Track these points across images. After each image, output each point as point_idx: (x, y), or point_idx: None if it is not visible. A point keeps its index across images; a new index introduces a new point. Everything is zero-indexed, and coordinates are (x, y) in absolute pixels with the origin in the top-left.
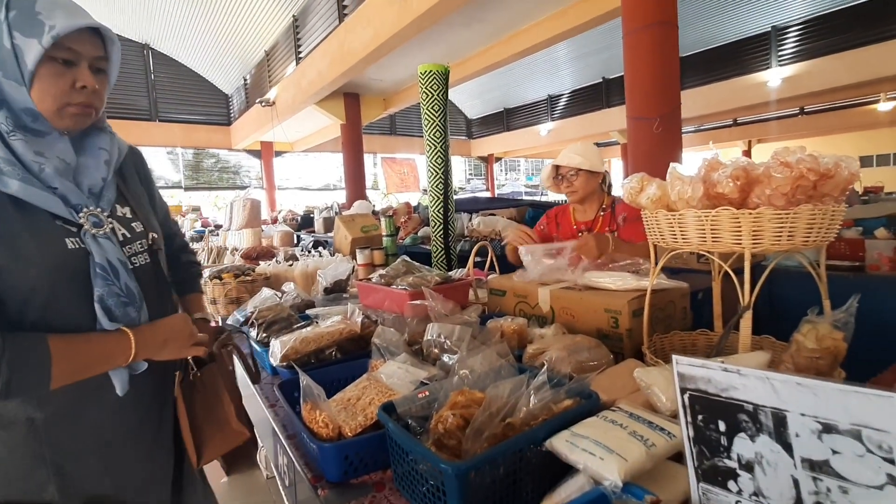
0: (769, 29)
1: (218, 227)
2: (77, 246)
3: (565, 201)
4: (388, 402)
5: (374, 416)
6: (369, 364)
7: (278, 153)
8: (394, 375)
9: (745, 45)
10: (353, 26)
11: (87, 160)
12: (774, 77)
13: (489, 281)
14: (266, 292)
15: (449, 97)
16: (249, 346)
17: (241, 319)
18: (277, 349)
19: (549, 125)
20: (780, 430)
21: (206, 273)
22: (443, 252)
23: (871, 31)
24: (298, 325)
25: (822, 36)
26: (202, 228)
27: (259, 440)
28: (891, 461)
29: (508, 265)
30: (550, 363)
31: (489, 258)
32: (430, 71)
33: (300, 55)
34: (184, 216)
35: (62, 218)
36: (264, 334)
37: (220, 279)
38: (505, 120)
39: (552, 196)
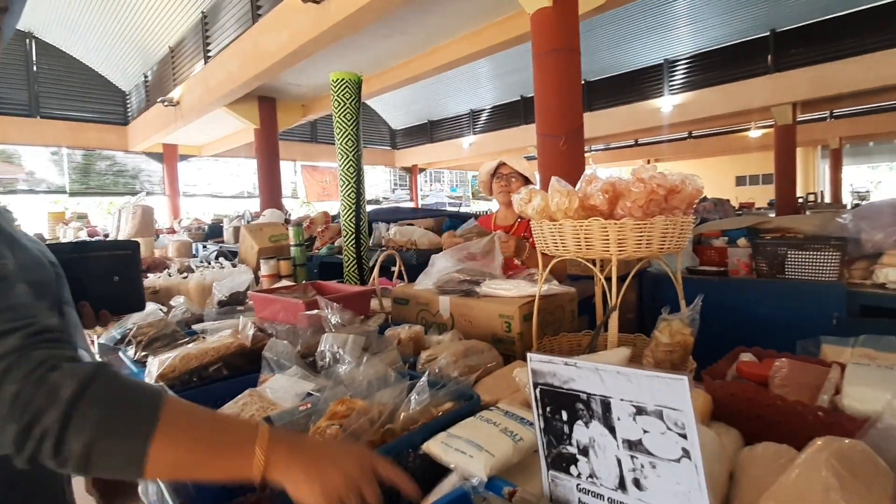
0: (662, 61)
1: (107, 236)
2: None
3: (486, 212)
4: (266, 417)
5: None
6: (259, 379)
7: (183, 157)
8: (279, 389)
9: (643, 73)
10: (267, 27)
11: None
12: (667, 104)
13: (393, 290)
14: (149, 307)
15: (373, 107)
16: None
17: (118, 337)
18: (154, 368)
19: (472, 138)
20: (606, 416)
21: None
22: (355, 262)
23: (740, 70)
24: (184, 340)
25: (704, 70)
26: (87, 238)
27: None
28: (684, 436)
29: (416, 275)
30: (441, 368)
31: (398, 267)
32: (343, 79)
33: (209, 54)
34: (66, 224)
35: None
36: (143, 353)
37: None
38: (429, 132)
39: (472, 208)
